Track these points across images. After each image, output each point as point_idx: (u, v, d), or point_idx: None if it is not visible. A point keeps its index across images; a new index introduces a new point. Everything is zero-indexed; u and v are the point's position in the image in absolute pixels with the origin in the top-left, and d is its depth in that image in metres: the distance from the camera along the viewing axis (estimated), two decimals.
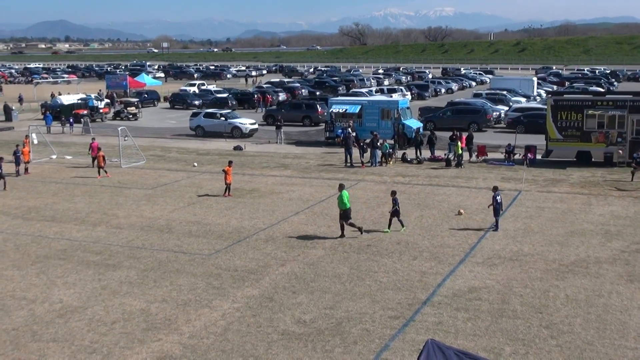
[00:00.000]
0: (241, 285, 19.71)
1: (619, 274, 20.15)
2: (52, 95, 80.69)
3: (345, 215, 24.16)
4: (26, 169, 37.47)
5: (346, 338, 16.02)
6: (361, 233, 24.44)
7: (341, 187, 24.48)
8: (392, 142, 41.99)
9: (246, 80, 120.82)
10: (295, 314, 17.47)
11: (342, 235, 24.24)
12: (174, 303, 18.39)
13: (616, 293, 18.66)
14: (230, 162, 31.77)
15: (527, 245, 23.10)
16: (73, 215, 28.27)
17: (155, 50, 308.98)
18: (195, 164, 39.58)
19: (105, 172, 36.47)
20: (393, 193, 25.17)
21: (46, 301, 18.71)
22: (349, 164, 38.47)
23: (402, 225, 25.00)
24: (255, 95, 73.65)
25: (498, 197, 24.76)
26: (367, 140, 40.11)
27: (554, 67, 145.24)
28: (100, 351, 15.55)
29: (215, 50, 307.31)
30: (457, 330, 16.36)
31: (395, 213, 24.81)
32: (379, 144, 38.91)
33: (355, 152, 39.79)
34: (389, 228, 24.91)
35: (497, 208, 24.77)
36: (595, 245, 23.05)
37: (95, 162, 37.88)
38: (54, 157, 43.06)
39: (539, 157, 38.85)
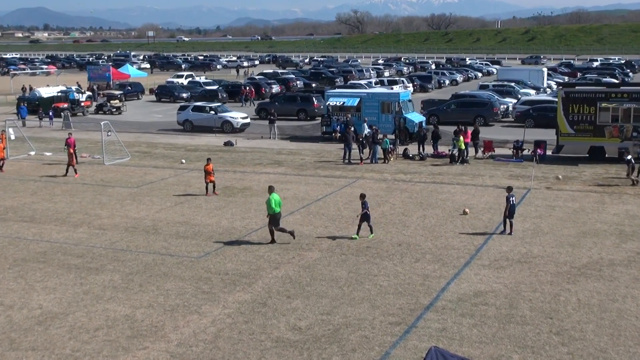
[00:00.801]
0: (232, 289, 19.73)
1: (635, 277, 20.20)
2: (24, 89, 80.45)
3: (274, 219, 23.76)
4: (1, 167, 37.43)
5: (344, 345, 16.05)
6: (293, 238, 24.00)
7: (270, 190, 23.97)
8: (392, 137, 42.04)
9: (237, 72, 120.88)
10: (290, 320, 17.50)
11: (273, 241, 23.91)
12: (160, 309, 18.40)
13: (631, 297, 18.71)
14: (208, 160, 31.80)
15: (536, 247, 23.16)
16: (53, 216, 28.25)
17: (186, 39, 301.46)
18: (184, 161, 39.58)
19: (75, 171, 36.10)
20: (362, 196, 24.46)
21: (24, 307, 18.70)
22: (347, 161, 38.50)
23: (371, 232, 24.52)
24: (247, 88, 73.45)
25: (512, 199, 24.40)
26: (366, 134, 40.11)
27: (542, 57, 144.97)
28: None
29: (259, 38, 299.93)
30: (462, 337, 16.40)
31: (364, 217, 24.20)
32: (379, 139, 38.91)
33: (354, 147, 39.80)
34: (357, 234, 24.31)
35: (511, 211, 24.38)
36: (609, 247, 23.11)
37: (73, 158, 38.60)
38: (32, 153, 43.02)
39: (549, 152, 38.91)
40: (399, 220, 26.65)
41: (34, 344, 16.41)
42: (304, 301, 18.71)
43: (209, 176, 31.02)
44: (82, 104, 65.60)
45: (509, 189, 24.75)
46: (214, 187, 31.37)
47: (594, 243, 23.49)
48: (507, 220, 24.61)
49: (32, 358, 15.71)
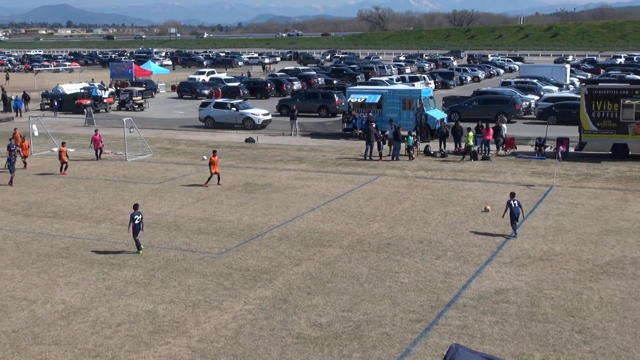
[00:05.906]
0: (253, 285, 19.78)
1: None
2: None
3: None
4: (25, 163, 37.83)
5: (365, 342, 16.05)
6: None
7: None
8: (414, 133, 41.90)
9: (263, 68, 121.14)
10: (310, 317, 17.53)
11: None
12: (182, 304, 18.50)
13: None
14: (214, 152, 33.04)
15: (558, 245, 23.01)
16: (76, 211, 28.48)
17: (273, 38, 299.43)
18: (205, 157, 39.67)
19: (65, 169, 35.98)
20: (134, 207, 22.75)
21: (48, 302, 18.89)
22: (368, 157, 38.43)
23: (138, 249, 22.64)
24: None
25: (513, 203, 23.61)
26: (387, 132, 40.02)
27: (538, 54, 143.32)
28: (104, 355, 15.68)
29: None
30: (483, 334, 16.34)
31: (134, 230, 22.42)
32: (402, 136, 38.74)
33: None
34: (139, 250, 22.70)
35: (514, 214, 23.51)
36: (632, 245, 22.90)
37: (99, 154, 39.91)
38: (55, 149, 43.31)
39: (571, 150, 38.61)
40: (420, 217, 26.59)
41: (57, 339, 16.56)
42: (325, 298, 18.73)
43: (214, 167, 32.11)
44: (105, 100, 66.03)
45: (512, 195, 24.24)
46: (218, 177, 32.46)
47: (616, 241, 23.29)
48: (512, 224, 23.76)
49: (55, 352, 15.86)
